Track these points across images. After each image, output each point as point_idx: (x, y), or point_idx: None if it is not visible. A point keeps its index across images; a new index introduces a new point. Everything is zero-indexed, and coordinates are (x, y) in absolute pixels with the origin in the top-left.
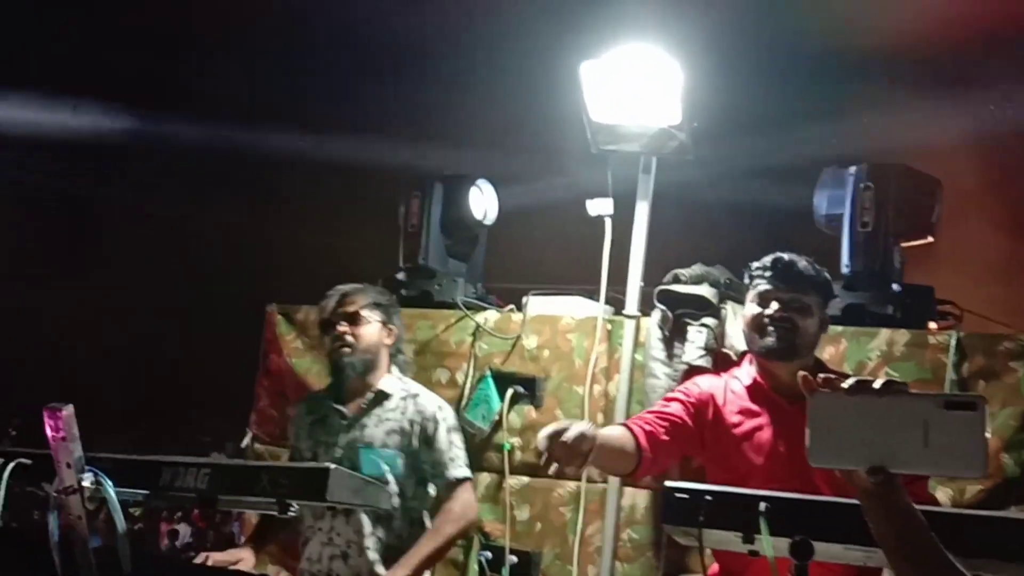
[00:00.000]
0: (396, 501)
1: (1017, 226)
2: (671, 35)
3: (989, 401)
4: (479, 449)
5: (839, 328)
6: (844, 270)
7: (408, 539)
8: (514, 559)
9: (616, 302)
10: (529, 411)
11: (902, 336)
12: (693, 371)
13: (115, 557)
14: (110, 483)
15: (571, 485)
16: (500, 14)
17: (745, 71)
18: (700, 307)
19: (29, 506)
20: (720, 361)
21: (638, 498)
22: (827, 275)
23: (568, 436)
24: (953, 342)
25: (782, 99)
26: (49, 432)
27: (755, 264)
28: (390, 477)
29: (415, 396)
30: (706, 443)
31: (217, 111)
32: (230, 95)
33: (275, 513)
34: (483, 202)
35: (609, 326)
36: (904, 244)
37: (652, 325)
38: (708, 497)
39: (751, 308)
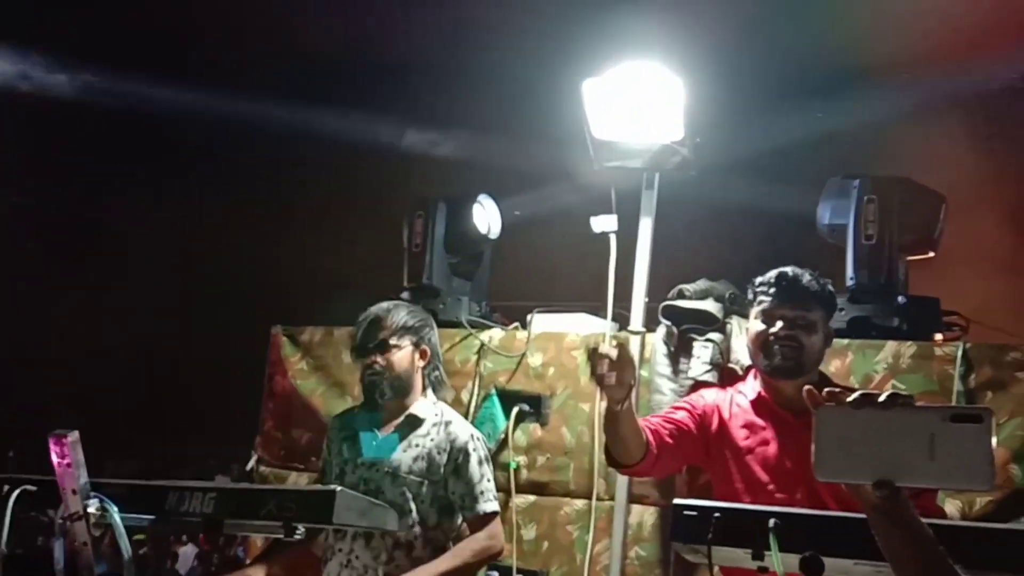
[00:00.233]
0: (418, 530)
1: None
2: (672, 51)
3: (997, 412)
4: None
5: (845, 341)
6: (849, 283)
7: None
8: None
9: (621, 318)
10: (535, 429)
11: (908, 348)
12: (699, 386)
13: None
14: (115, 509)
15: (578, 503)
16: (503, 34)
17: (747, 86)
18: (705, 322)
19: (34, 532)
20: (726, 376)
21: (646, 515)
22: (831, 288)
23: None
24: (959, 353)
25: (784, 113)
26: (54, 458)
27: (759, 280)
28: (412, 505)
29: (448, 423)
30: (710, 454)
31: (221, 128)
32: (236, 112)
33: (281, 536)
34: (486, 217)
35: (614, 343)
36: (907, 258)
37: (657, 341)
38: (717, 514)
39: (756, 326)
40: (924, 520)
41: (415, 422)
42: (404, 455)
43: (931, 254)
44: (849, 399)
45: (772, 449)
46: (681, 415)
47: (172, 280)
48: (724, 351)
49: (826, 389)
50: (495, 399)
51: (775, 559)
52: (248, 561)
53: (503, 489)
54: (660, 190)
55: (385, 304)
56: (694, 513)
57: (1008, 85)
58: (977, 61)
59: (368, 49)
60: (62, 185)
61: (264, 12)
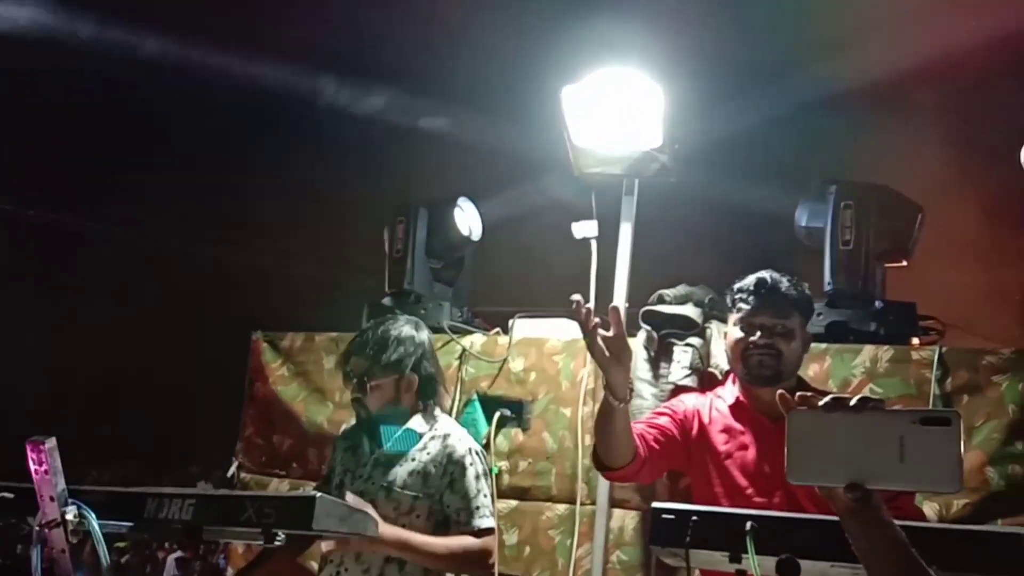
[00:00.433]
0: None
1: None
2: (651, 58)
3: (973, 415)
4: None
5: (823, 346)
6: (827, 287)
7: None
8: None
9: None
10: (516, 434)
11: (885, 352)
12: (679, 391)
13: None
14: (93, 516)
15: (560, 508)
16: (482, 39)
17: (726, 94)
18: (685, 327)
19: (12, 539)
20: (705, 380)
21: (627, 520)
22: (808, 292)
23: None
24: (936, 357)
25: (764, 120)
26: (32, 465)
27: (737, 286)
28: (404, 521)
29: (446, 436)
30: (692, 459)
31: (198, 140)
32: (211, 125)
33: (261, 543)
34: (467, 220)
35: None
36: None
37: (638, 346)
38: (695, 517)
39: (735, 332)
40: (900, 522)
41: (412, 437)
42: (400, 470)
43: (904, 263)
44: (821, 403)
45: (751, 454)
46: (664, 420)
47: (153, 286)
48: (704, 356)
49: (798, 393)
50: (477, 404)
51: (752, 562)
52: (231, 572)
53: None
54: (640, 196)
55: (371, 335)
56: (672, 517)
57: (983, 92)
58: (953, 70)
59: (347, 56)
60: (37, 193)
61: (244, 16)
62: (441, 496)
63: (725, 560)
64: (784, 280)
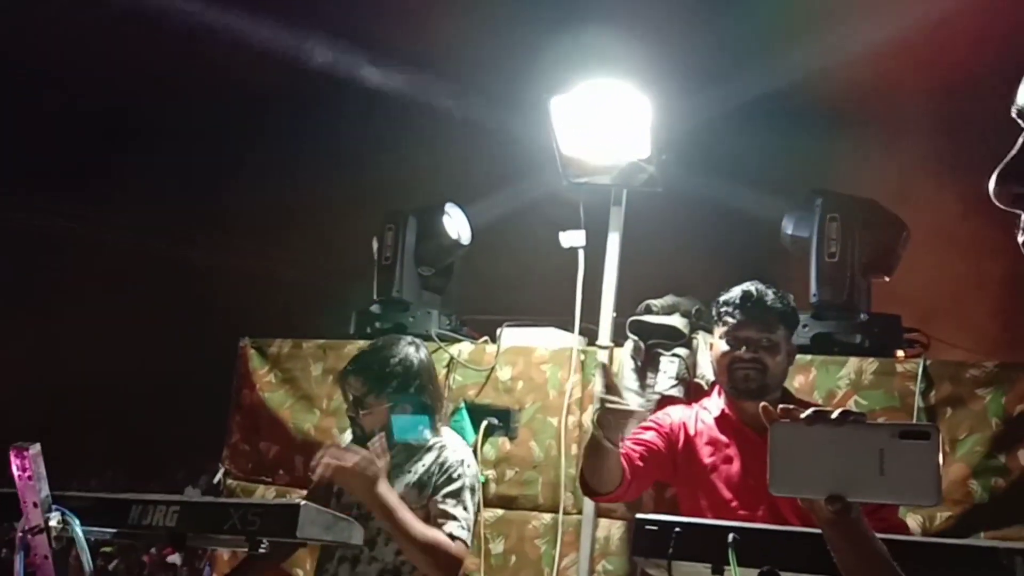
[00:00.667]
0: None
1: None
2: (639, 69)
3: (956, 428)
4: None
5: (808, 357)
6: (812, 299)
7: None
8: None
9: (589, 333)
10: (504, 443)
11: (870, 364)
12: (666, 401)
13: None
14: (77, 522)
15: (546, 517)
16: (472, 47)
17: (714, 105)
18: (672, 337)
19: None
20: (692, 391)
21: (613, 529)
22: (793, 303)
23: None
24: (920, 370)
25: (751, 132)
26: (15, 471)
27: (723, 299)
28: None
29: (442, 447)
30: (678, 471)
31: (186, 144)
32: (199, 129)
33: (246, 550)
34: (455, 225)
35: (583, 357)
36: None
37: (625, 356)
38: (677, 529)
39: (721, 346)
40: (883, 535)
41: (410, 450)
42: (397, 482)
43: (887, 278)
44: (802, 415)
45: (735, 466)
46: (650, 435)
47: (139, 292)
48: (690, 366)
49: (780, 406)
50: (464, 413)
51: (734, 573)
52: None
53: None
54: (628, 206)
55: (370, 357)
56: (655, 528)
57: (973, 108)
58: (943, 86)
59: (336, 66)
60: (19, 196)
61: (241, 20)
62: (428, 504)
63: (708, 572)
64: (769, 293)
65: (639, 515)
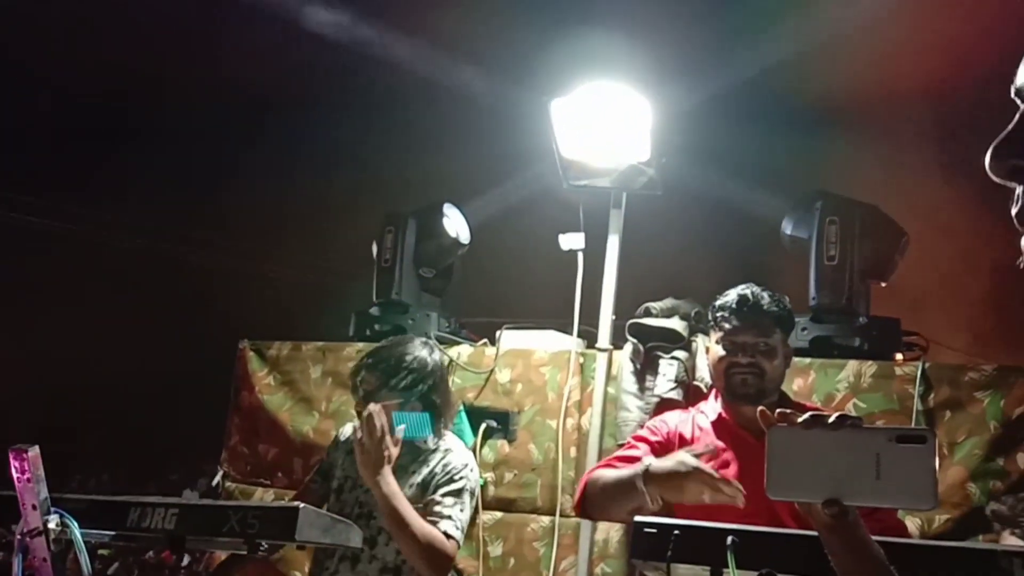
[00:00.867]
0: None
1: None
2: (640, 72)
3: (955, 431)
4: None
5: (807, 360)
6: (811, 302)
7: None
8: None
9: (588, 336)
10: (502, 445)
11: (869, 368)
12: (664, 404)
13: None
14: (76, 524)
15: (544, 520)
16: (472, 50)
17: (714, 107)
18: (671, 340)
19: None
20: (690, 393)
21: (611, 532)
22: (789, 306)
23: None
24: (919, 373)
25: (751, 134)
26: (14, 473)
27: (719, 303)
28: None
29: (447, 451)
30: None
31: (187, 144)
32: (199, 129)
33: (245, 553)
34: (454, 224)
35: (581, 359)
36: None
37: (624, 358)
38: (676, 531)
39: (717, 350)
40: (881, 538)
41: (415, 451)
42: (402, 482)
43: (883, 284)
44: (799, 420)
45: (732, 471)
46: (643, 450)
47: (139, 292)
48: (689, 369)
49: (778, 410)
50: (463, 415)
51: None
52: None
53: None
54: (628, 209)
55: (387, 353)
56: (654, 531)
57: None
58: (939, 90)
59: (340, 71)
60: (18, 194)
61: (248, 29)
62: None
63: (706, 574)
64: (765, 296)
65: (638, 518)
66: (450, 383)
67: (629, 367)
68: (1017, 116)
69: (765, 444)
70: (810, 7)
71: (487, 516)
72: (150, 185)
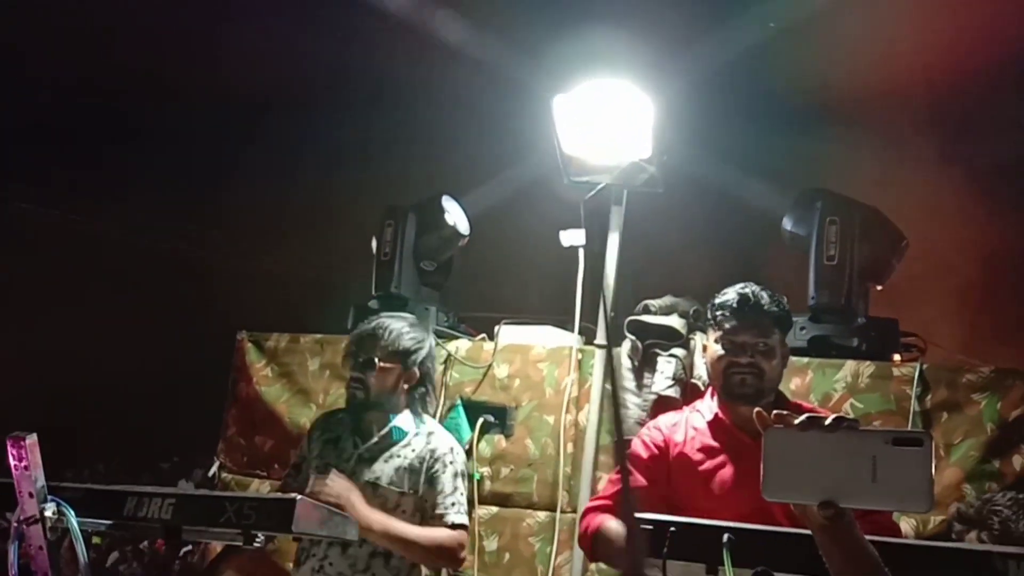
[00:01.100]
0: None
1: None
2: (642, 69)
3: (952, 432)
4: None
5: (805, 360)
6: (810, 302)
7: None
8: None
9: (587, 332)
10: (499, 440)
11: (867, 368)
12: (662, 401)
13: None
14: (72, 513)
15: (540, 515)
16: (473, 46)
17: (717, 104)
18: (670, 338)
19: None
20: (688, 391)
21: None
22: (787, 306)
23: None
24: (917, 374)
25: (752, 133)
26: (12, 461)
27: (718, 302)
28: (394, 516)
29: (430, 434)
30: (672, 480)
31: (186, 137)
32: (199, 122)
33: (240, 544)
34: (454, 216)
35: (580, 356)
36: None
37: (623, 355)
38: (672, 528)
39: (716, 350)
40: (876, 538)
41: (398, 434)
42: (386, 466)
43: (879, 287)
44: (796, 421)
45: (728, 471)
46: (639, 478)
47: (137, 283)
48: (687, 367)
49: (774, 412)
50: (460, 409)
51: (728, 574)
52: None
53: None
54: (629, 206)
55: (386, 321)
56: (650, 528)
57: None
58: (939, 90)
59: (341, 68)
60: (13, 185)
61: (253, 28)
62: (423, 492)
63: (702, 572)
64: (764, 296)
65: (636, 515)
66: (444, 377)
67: (627, 364)
68: None
69: (761, 445)
70: (813, 3)
71: (483, 511)
72: (147, 181)
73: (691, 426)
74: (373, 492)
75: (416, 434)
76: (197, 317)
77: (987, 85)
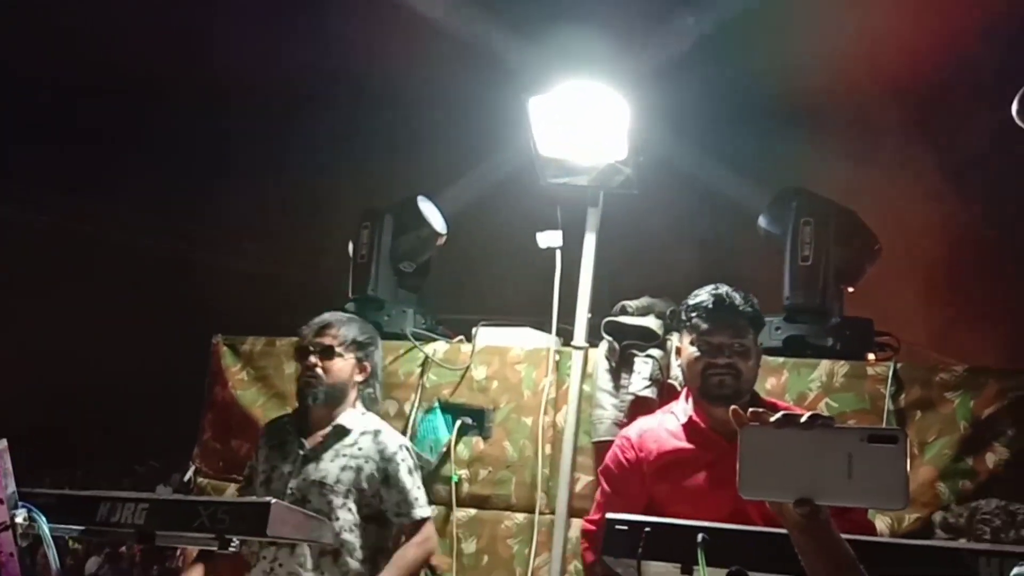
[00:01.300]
0: (346, 537)
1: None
2: (617, 71)
3: (925, 431)
4: (426, 481)
5: (780, 360)
6: (786, 302)
7: (357, 574)
8: None
9: (565, 333)
10: (477, 442)
11: (841, 367)
12: (639, 402)
13: None
14: (44, 519)
15: (519, 517)
16: (448, 46)
17: (691, 107)
18: (646, 338)
19: None
20: (665, 391)
21: None
22: (758, 306)
23: None
24: (891, 373)
25: (728, 135)
26: None
27: (692, 303)
28: (338, 514)
29: (376, 432)
30: (648, 490)
31: (164, 140)
32: (176, 124)
33: (215, 549)
34: (431, 215)
35: (557, 357)
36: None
37: (600, 356)
38: (647, 529)
39: (692, 351)
40: (851, 536)
41: (342, 432)
42: (332, 465)
43: (850, 289)
44: (772, 419)
45: (702, 475)
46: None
47: (111, 286)
48: (664, 367)
49: (751, 410)
50: (438, 412)
51: (702, 573)
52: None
53: (444, 503)
54: (605, 207)
55: (340, 314)
56: (625, 528)
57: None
58: (913, 89)
59: (310, 69)
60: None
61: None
62: (378, 492)
63: (676, 571)
64: (738, 297)
65: (609, 515)
66: (421, 379)
67: (605, 365)
68: None
69: (738, 444)
70: (787, 6)
71: (461, 513)
72: (127, 178)
73: (664, 429)
74: (320, 492)
75: (363, 432)
76: (175, 319)
77: (967, 89)
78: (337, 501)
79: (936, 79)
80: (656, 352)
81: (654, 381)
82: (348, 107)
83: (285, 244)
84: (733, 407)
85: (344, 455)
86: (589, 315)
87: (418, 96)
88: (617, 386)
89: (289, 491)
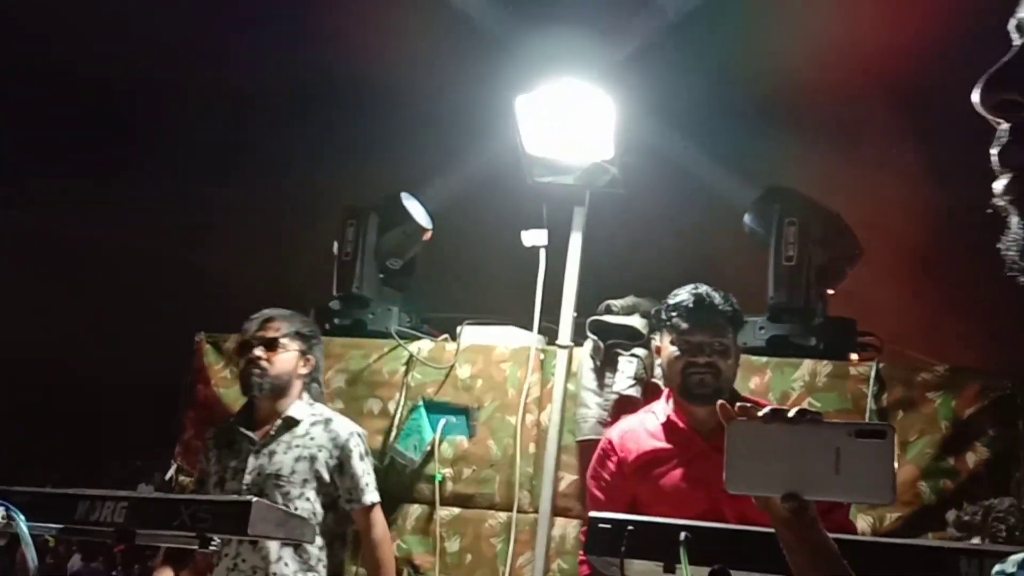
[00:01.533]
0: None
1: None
2: (604, 70)
3: (907, 430)
4: (410, 480)
5: (764, 359)
6: (769, 302)
7: (319, 564)
8: None
9: (549, 332)
10: (461, 441)
11: (824, 367)
12: (623, 401)
13: None
14: (22, 518)
15: (502, 516)
16: (434, 45)
17: (678, 107)
18: (631, 337)
19: None
20: (649, 390)
21: (568, 528)
22: (737, 305)
23: None
24: (873, 373)
25: (715, 134)
26: None
27: (672, 302)
28: (296, 505)
29: (327, 421)
30: (631, 490)
31: (150, 137)
32: (163, 124)
33: (195, 548)
34: (415, 211)
35: (542, 356)
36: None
37: (584, 355)
38: (630, 527)
39: (672, 350)
40: (834, 535)
41: (291, 423)
42: (286, 457)
43: (830, 291)
44: (760, 413)
45: (679, 473)
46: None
47: (93, 285)
48: (648, 366)
49: (738, 404)
50: (422, 410)
51: (685, 572)
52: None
53: (428, 501)
54: (591, 206)
55: (282, 309)
56: (608, 526)
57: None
58: (896, 84)
59: (297, 68)
60: None
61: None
62: (332, 479)
63: (659, 570)
64: (717, 296)
65: (592, 513)
66: (405, 377)
67: (589, 364)
68: (1013, 50)
69: (718, 446)
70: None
71: (444, 512)
72: (110, 176)
73: (644, 429)
74: (276, 485)
75: (313, 423)
76: (151, 314)
77: (955, 89)
78: (294, 492)
79: (919, 73)
80: (641, 351)
81: (638, 380)
82: (332, 107)
83: (265, 242)
84: (721, 402)
85: (297, 446)
86: (574, 314)
87: (404, 95)
88: (601, 385)
89: (245, 486)
